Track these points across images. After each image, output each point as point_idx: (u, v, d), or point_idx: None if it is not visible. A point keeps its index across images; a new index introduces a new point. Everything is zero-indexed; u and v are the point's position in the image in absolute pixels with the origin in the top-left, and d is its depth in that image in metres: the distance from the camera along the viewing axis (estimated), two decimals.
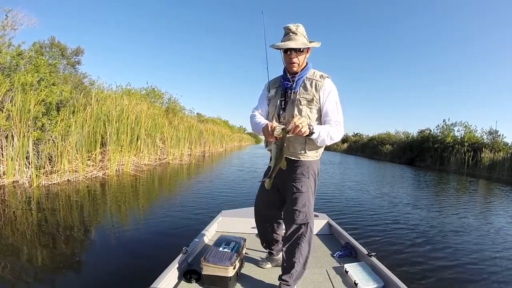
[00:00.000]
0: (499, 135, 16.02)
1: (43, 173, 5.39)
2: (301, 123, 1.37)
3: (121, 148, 7.76)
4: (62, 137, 5.93)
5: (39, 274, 2.25)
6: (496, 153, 14.33)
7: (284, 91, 1.65)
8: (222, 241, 1.98)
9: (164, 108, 14.16)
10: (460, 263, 2.86)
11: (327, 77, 1.62)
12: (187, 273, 1.81)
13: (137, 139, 8.74)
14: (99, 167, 6.90)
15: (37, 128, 5.57)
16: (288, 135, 1.43)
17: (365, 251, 2.12)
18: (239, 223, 2.64)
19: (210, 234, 2.49)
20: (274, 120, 1.65)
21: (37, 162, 5.43)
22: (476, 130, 17.77)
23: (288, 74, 1.64)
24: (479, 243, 3.56)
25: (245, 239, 2.09)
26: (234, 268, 1.72)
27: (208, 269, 1.72)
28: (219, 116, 34.45)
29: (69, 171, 5.87)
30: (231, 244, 1.94)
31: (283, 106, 1.63)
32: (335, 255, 2.23)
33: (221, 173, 9.25)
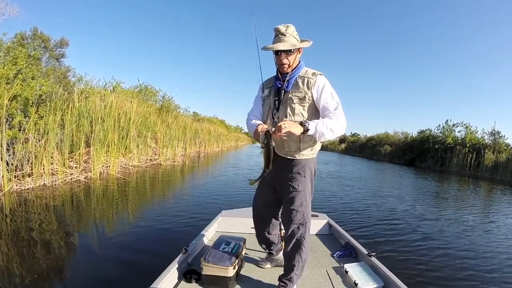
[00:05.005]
0: (501, 136, 16.29)
1: (15, 177, 5.03)
2: (288, 125, 1.41)
3: (108, 148, 7.45)
4: (41, 136, 5.63)
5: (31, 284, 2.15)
6: (498, 154, 14.56)
7: (277, 91, 1.70)
8: (222, 241, 2.04)
9: (157, 106, 14.12)
10: (461, 263, 2.96)
11: (320, 74, 1.66)
12: (187, 273, 1.86)
13: (126, 138, 8.45)
14: (81, 169, 6.55)
15: (12, 127, 5.27)
16: (283, 137, 1.47)
17: (365, 251, 2.19)
18: (239, 223, 2.70)
19: (210, 234, 2.55)
20: (269, 120, 1.70)
21: (12, 164, 5.00)
22: (477, 131, 18.07)
23: (280, 74, 1.70)
24: (480, 243, 3.66)
25: (245, 239, 2.15)
26: (234, 268, 1.77)
27: (208, 269, 1.77)
28: (216, 115, 34.49)
29: (46, 174, 5.47)
30: (231, 244, 1.99)
31: (276, 106, 1.69)
32: (335, 255, 2.30)
33: (219, 173, 9.28)
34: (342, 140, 38.61)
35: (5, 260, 2.51)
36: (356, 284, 1.81)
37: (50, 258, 2.61)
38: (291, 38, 1.60)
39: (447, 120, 19.99)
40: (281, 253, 2.05)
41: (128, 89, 13.22)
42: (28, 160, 5.37)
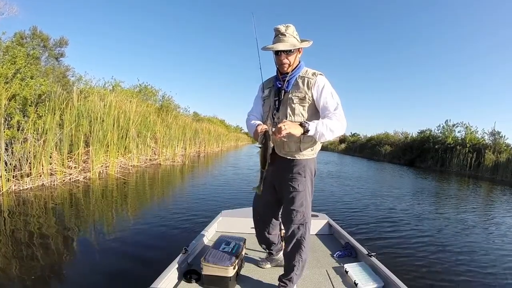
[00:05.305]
0: (501, 136, 16.30)
1: (14, 177, 5.01)
2: (288, 127, 1.40)
3: (107, 148, 7.44)
4: (40, 136, 5.62)
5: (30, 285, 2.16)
6: (499, 155, 14.58)
7: (277, 91, 1.71)
8: (222, 241, 2.05)
9: (157, 106, 14.14)
10: (460, 263, 2.97)
11: (320, 74, 1.67)
12: (187, 273, 1.87)
13: (125, 138, 8.44)
14: (80, 169, 6.52)
15: (10, 126, 5.24)
16: (283, 138, 1.47)
17: (365, 251, 2.20)
18: (239, 223, 2.70)
19: (210, 234, 2.56)
20: (269, 120, 1.70)
21: (10, 164, 4.97)
22: (477, 131, 18.09)
23: (280, 74, 1.70)
24: (479, 243, 3.67)
25: (245, 239, 2.15)
26: (234, 268, 1.78)
27: (208, 269, 1.78)
28: (216, 115, 34.56)
29: (44, 174, 5.43)
30: (231, 244, 2.00)
31: (276, 106, 1.69)
32: (335, 255, 2.31)
33: (219, 173, 9.30)
34: (342, 140, 38.67)
35: (4, 261, 2.51)
36: (356, 284, 1.82)
37: (49, 258, 2.61)
38: (291, 38, 1.61)
39: (447, 120, 20.06)
40: (281, 253, 2.05)
41: (127, 88, 13.24)
42: (27, 160, 5.35)
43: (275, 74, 1.76)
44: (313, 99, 1.62)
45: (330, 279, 1.94)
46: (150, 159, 10.16)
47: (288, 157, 1.68)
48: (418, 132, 23.31)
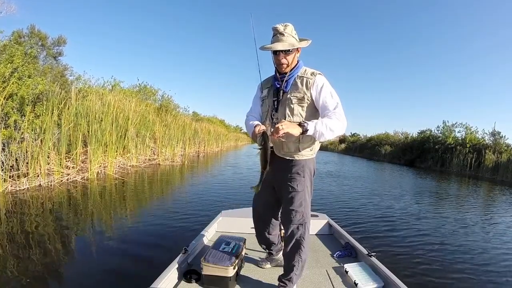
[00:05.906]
0: (502, 137, 16.33)
1: (11, 177, 5.02)
2: (286, 127, 1.40)
3: (105, 148, 7.43)
4: (37, 135, 5.61)
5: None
6: (499, 155, 14.60)
7: (276, 91, 1.71)
8: (222, 241, 2.06)
9: (156, 106, 14.14)
10: (460, 263, 2.98)
11: (319, 73, 1.66)
12: (187, 273, 1.88)
13: (124, 138, 8.44)
14: (78, 169, 6.53)
15: (7, 126, 5.24)
16: (281, 139, 1.47)
17: (365, 251, 2.21)
18: (239, 223, 2.71)
19: (210, 234, 2.57)
20: (268, 120, 1.70)
21: (7, 164, 4.98)
22: (477, 131, 18.11)
23: (278, 74, 1.70)
24: (479, 243, 3.68)
25: (245, 239, 2.16)
26: (234, 268, 1.78)
27: (208, 269, 1.78)
28: (215, 115, 34.59)
29: (42, 174, 5.45)
30: (231, 244, 2.01)
31: (275, 106, 1.69)
32: (335, 255, 2.32)
33: (218, 173, 9.31)
34: (342, 140, 38.75)
35: (1, 262, 2.50)
36: (356, 284, 1.83)
37: (47, 259, 2.60)
38: (290, 38, 1.60)
39: (444, 121, 20.08)
40: (281, 253, 2.06)
41: (127, 88, 13.24)
42: (24, 160, 5.33)
43: (274, 73, 1.76)
44: (312, 99, 1.62)
45: (330, 279, 1.95)
46: (149, 159, 10.14)
47: (287, 158, 1.69)
48: (418, 132, 23.35)
